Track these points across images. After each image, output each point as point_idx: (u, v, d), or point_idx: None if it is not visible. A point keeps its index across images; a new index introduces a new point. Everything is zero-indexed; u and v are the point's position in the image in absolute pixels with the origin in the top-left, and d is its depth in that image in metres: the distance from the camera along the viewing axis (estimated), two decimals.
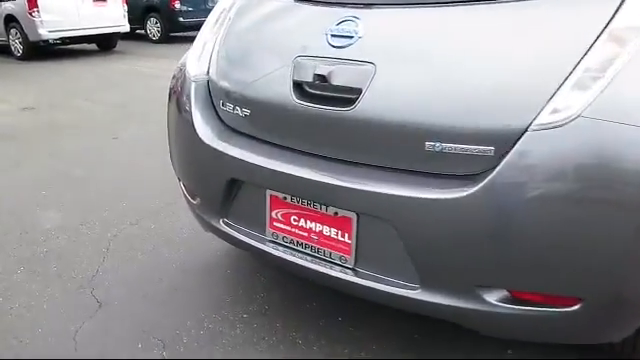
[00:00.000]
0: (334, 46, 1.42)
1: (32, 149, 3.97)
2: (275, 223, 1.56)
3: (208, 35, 1.84)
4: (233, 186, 1.62)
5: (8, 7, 9.10)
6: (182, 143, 1.81)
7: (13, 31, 9.15)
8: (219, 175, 1.65)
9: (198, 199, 1.80)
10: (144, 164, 3.55)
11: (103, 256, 2.35)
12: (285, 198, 1.52)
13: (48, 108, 5.35)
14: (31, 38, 8.86)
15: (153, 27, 11.40)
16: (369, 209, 1.35)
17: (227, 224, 1.70)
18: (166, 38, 11.24)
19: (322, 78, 1.39)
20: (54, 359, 1.76)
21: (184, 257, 2.34)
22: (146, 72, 7.60)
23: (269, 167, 1.50)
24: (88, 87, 6.50)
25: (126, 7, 9.80)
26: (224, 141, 1.64)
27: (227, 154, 1.59)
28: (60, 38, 9.08)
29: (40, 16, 8.71)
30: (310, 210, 1.48)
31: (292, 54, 1.48)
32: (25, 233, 2.60)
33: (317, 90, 1.44)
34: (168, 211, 2.81)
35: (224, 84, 1.68)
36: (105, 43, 9.98)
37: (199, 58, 1.80)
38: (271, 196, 1.54)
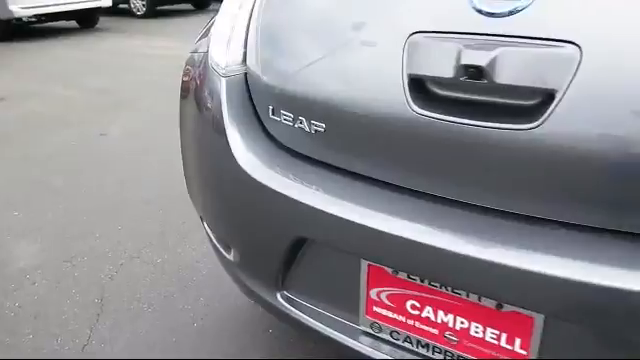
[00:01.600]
0: (487, 13, 0.79)
1: (1, 151, 3.30)
2: (376, 308, 0.96)
3: (239, 3, 1.20)
4: (300, 245, 1.01)
5: None
6: (209, 171, 1.18)
7: None
8: (276, 230, 1.03)
9: (236, 254, 1.19)
10: (141, 168, 2.92)
11: (97, 311, 1.74)
12: (396, 273, 0.91)
13: (22, 98, 4.62)
14: (2, 16, 7.96)
15: (137, 1, 10.53)
16: (578, 312, 0.75)
17: (288, 300, 1.09)
18: (152, 12, 10.39)
19: (474, 72, 0.77)
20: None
21: (206, 309, 1.74)
22: (133, 51, 6.85)
23: (367, 224, 0.88)
24: (69, 71, 5.75)
25: None
26: (281, 173, 1.02)
27: (289, 197, 0.98)
28: (35, 15, 8.20)
29: None
30: (446, 295, 0.87)
31: (403, 29, 0.85)
32: None
33: (458, 92, 0.81)
34: (177, 235, 2.19)
35: (274, 80, 1.05)
36: (86, 20, 9.13)
37: (229, 41, 1.16)
38: (370, 267, 0.93)
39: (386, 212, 0.88)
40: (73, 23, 9.18)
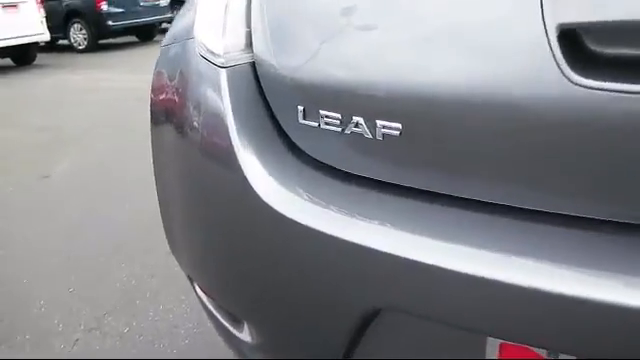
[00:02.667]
0: None
1: None
2: None
3: None
4: (371, 319, 0.64)
5: None
6: (209, 213, 0.79)
7: None
8: (330, 297, 0.65)
9: (254, 333, 0.80)
10: (92, 214, 2.45)
11: None
12: (556, 355, 0.55)
13: None
14: None
15: (78, 34, 9.94)
16: None
17: None
18: (94, 46, 9.83)
19: None
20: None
21: None
22: (77, 86, 6.31)
23: (506, 280, 0.52)
24: (4, 110, 5.17)
25: (43, 12, 8.33)
26: (331, 209, 0.65)
27: (352, 244, 0.60)
28: None
29: None
30: None
31: None
32: None
33: None
34: (146, 294, 1.76)
35: (305, 68, 0.68)
36: (22, 57, 8.47)
37: (224, 21, 0.79)
38: (505, 348, 0.57)
39: (542, 259, 0.52)
40: (8, 61, 8.52)
